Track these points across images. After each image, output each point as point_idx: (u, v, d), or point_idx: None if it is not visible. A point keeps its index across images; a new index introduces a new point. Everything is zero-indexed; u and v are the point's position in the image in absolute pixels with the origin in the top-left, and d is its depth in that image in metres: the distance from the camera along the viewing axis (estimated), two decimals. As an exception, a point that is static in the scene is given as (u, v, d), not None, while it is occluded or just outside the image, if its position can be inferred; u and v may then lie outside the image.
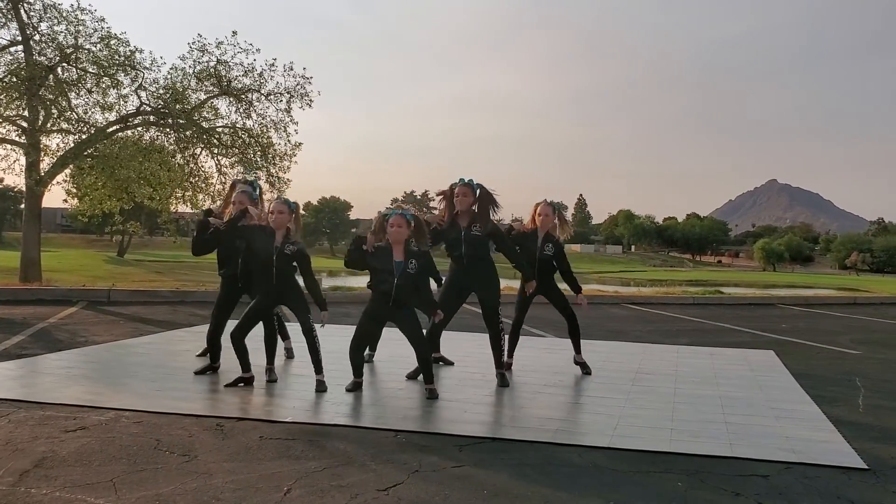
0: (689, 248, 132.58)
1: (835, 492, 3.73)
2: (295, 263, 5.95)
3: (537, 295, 6.72)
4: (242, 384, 5.86)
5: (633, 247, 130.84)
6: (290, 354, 7.21)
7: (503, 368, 6.24)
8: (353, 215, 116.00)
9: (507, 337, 6.40)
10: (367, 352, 6.38)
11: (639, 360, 7.65)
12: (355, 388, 5.78)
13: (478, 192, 6.06)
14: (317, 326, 5.91)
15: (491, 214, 6.12)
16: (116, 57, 17.11)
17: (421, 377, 5.88)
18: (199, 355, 7.04)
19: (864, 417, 5.47)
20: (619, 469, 4.01)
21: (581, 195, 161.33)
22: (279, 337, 6.60)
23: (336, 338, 8.10)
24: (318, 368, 5.84)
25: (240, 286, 6.36)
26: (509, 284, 10.74)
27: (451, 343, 8.17)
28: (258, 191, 6.58)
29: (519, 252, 6.37)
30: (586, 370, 6.84)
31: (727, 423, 5.08)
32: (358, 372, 5.86)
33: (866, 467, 4.13)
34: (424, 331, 5.87)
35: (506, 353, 6.42)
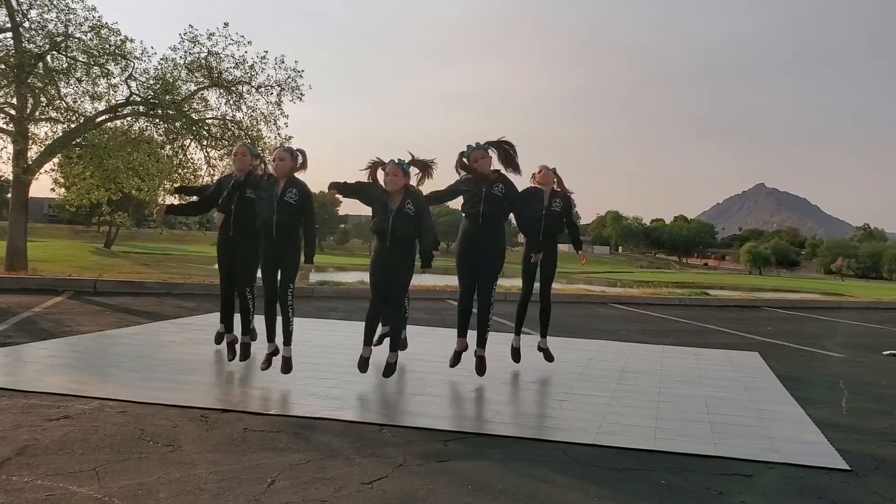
0: (676, 250, 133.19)
1: (817, 492, 3.76)
2: (300, 216, 5.80)
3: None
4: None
5: (620, 248, 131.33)
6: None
7: (484, 350, 6.15)
8: (342, 211, 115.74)
9: (492, 319, 6.32)
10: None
11: (625, 359, 7.68)
12: (363, 365, 5.75)
13: (495, 153, 6.08)
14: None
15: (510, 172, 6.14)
16: (107, 46, 17.01)
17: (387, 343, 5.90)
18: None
19: (846, 419, 5.52)
20: (603, 466, 4.02)
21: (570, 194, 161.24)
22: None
23: (322, 332, 8.11)
24: (288, 340, 5.76)
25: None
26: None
27: (439, 338, 8.18)
28: (261, 154, 6.64)
29: (530, 216, 6.40)
30: (549, 357, 6.86)
31: (711, 422, 5.11)
32: (368, 339, 5.80)
33: (848, 468, 4.17)
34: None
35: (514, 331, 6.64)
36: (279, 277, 5.83)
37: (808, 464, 4.22)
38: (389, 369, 5.81)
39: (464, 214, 6.17)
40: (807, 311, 16.22)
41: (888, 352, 9.48)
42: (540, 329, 6.97)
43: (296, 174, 5.84)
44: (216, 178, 18.20)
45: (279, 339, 5.81)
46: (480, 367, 6.13)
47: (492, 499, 3.41)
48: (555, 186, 6.78)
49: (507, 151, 6.10)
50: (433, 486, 3.52)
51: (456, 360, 6.23)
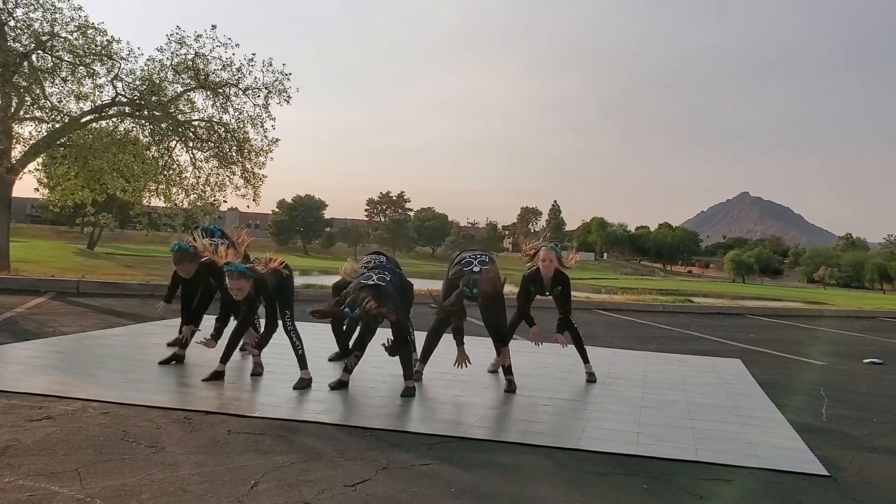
0: (660, 258, 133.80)
1: (796, 497, 3.80)
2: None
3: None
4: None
5: (605, 254, 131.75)
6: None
7: (511, 374, 6.27)
8: (327, 214, 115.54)
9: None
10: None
11: (608, 365, 7.72)
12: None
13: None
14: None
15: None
16: (93, 46, 16.94)
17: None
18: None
19: (827, 426, 5.57)
20: (586, 470, 4.05)
21: (555, 201, 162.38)
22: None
23: (307, 336, 8.08)
24: (301, 364, 5.85)
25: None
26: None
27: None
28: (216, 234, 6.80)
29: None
30: (592, 378, 6.86)
31: (693, 428, 5.15)
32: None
33: (828, 474, 4.22)
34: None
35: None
36: (278, 307, 5.96)
37: (787, 469, 4.26)
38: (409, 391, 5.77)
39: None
40: (789, 319, 16.34)
41: (868, 360, 9.57)
42: (581, 357, 7.01)
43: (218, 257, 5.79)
44: (200, 179, 18.17)
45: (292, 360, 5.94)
46: (510, 387, 6.20)
47: (474, 502, 3.42)
48: (556, 268, 6.75)
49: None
50: (416, 489, 3.54)
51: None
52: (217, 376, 5.79)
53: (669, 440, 4.76)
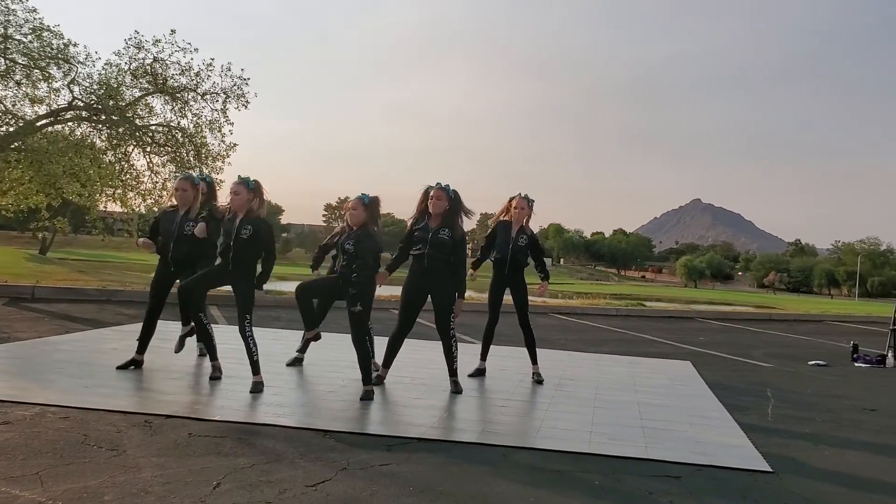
0: (615, 263, 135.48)
1: (741, 492, 3.98)
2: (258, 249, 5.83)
3: (506, 287, 6.99)
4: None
5: (562, 260, 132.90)
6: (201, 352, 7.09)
7: (456, 376, 6.30)
8: (284, 219, 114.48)
9: (458, 345, 6.41)
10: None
11: (563, 367, 7.89)
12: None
13: (452, 196, 6.26)
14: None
15: (462, 220, 6.33)
16: (49, 49, 16.68)
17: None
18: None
19: (772, 425, 5.79)
20: (540, 468, 4.18)
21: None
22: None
23: (265, 340, 8.13)
24: (254, 370, 5.83)
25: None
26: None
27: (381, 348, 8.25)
28: (205, 182, 6.62)
29: (465, 260, 6.54)
30: (539, 379, 6.98)
31: (644, 427, 5.32)
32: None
33: (771, 470, 4.41)
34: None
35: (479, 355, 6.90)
36: (237, 310, 5.87)
37: (733, 466, 4.45)
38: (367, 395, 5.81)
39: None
40: (739, 323, 16.74)
41: (813, 362, 9.89)
42: (530, 357, 7.11)
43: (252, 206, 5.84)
44: (158, 184, 17.97)
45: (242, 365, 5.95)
46: (456, 388, 6.25)
47: (433, 500, 3.52)
48: (525, 221, 6.96)
49: (461, 202, 6.33)
50: (376, 489, 3.63)
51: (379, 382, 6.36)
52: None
53: (621, 439, 4.92)
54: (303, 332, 6.22)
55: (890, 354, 10.13)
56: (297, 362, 7.01)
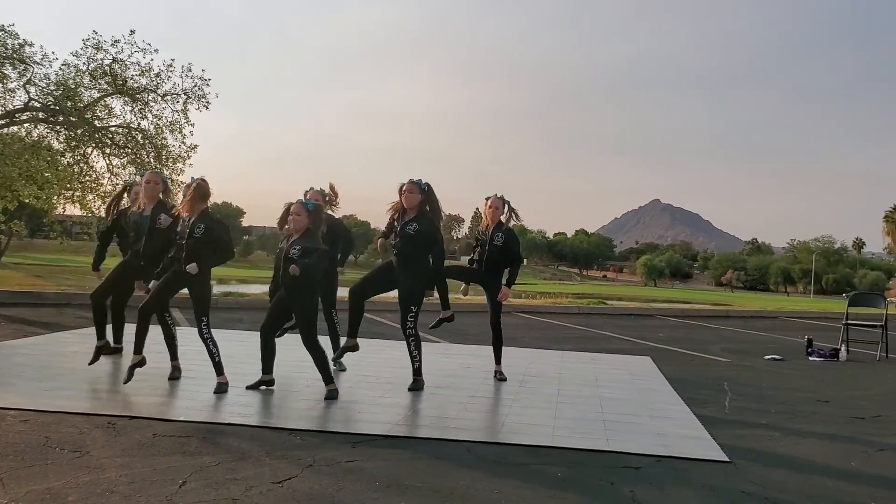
0: (577, 263, 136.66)
1: (699, 481, 4.09)
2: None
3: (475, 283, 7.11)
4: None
5: (525, 260, 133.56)
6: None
7: (419, 374, 6.34)
8: (245, 222, 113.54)
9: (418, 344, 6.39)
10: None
11: (526, 364, 7.97)
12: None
13: (425, 189, 6.35)
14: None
15: (432, 215, 6.40)
16: (3, 49, 16.34)
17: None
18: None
19: (729, 417, 5.93)
20: (505, 462, 4.25)
21: (477, 209, 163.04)
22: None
23: (228, 342, 8.10)
24: (217, 370, 5.81)
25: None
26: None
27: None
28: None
29: (437, 256, 6.58)
30: (502, 377, 7.02)
31: (605, 420, 5.42)
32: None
33: (728, 460, 4.53)
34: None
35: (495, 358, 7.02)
36: (194, 313, 5.85)
37: (692, 456, 4.56)
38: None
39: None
40: (697, 320, 17.00)
41: (769, 356, 10.11)
42: (494, 357, 7.12)
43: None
44: (117, 186, 17.70)
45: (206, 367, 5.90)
46: (416, 385, 6.29)
47: (399, 494, 3.57)
48: (502, 218, 6.98)
49: (432, 198, 6.41)
50: (342, 484, 3.66)
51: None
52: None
53: (583, 432, 5.01)
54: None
55: (843, 348, 10.39)
56: (339, 367, 7.01)
